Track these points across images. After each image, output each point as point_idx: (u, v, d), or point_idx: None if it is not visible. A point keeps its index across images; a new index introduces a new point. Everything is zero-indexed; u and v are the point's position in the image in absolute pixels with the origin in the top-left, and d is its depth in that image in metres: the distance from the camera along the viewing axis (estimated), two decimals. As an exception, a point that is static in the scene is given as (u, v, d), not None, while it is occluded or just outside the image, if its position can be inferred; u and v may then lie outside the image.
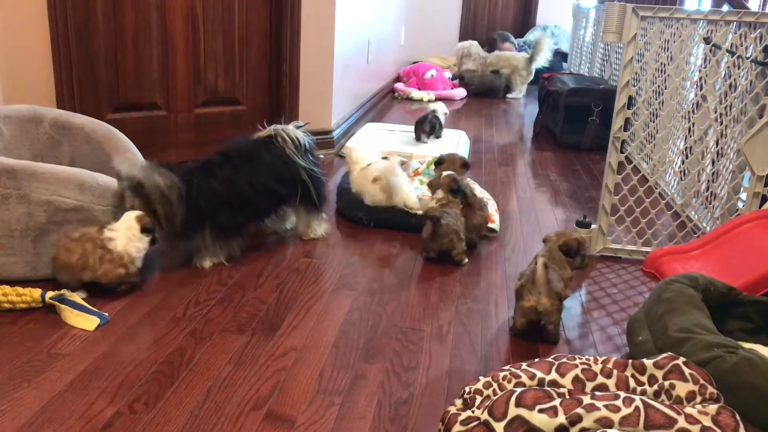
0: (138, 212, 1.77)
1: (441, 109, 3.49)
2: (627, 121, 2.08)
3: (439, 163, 2.39)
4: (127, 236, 1.73)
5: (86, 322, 1.58)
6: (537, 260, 1.60)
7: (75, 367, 1.40)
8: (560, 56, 6.30)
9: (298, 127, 2.12)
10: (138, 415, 1.26)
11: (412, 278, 1.96)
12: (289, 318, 1.68)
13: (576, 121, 3.72)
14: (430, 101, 5.01)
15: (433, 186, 2.25)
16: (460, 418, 1.20)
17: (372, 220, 2.33)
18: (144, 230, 1.76)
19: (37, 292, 1.61)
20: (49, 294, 1.62)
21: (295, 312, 1.72)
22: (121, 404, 1.29)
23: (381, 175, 2.34)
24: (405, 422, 1.31)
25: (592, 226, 2.21)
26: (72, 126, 2.14)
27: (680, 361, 1.25)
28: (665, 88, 2.72)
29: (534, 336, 1.65)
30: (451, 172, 2.19)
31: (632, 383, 1.26)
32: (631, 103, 2.09)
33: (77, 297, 1.64)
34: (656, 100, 2.83)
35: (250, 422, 1.27)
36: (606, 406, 1.11)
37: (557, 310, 1.59)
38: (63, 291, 1.63)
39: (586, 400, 1.14)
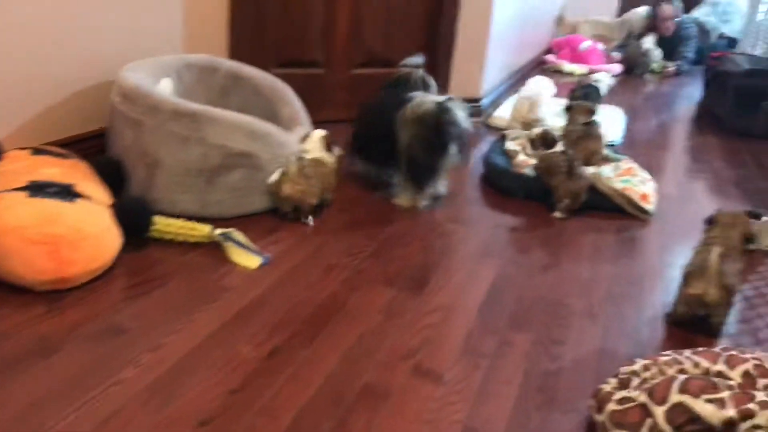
0: (321, 131, 2.00)
1: (604, 80, 3.31)
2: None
3: (569, 109, 2.65)
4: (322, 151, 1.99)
5: (249, 260, 1.68)
6: (712, 248, 1.49)
7: (240, 301, 1.51)
8: (727, 41, 5.78)
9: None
10: (296, 351, 1.34)
11: (561, 253, 1.91)
12: (435, 278, 1.70)
13: (748, 106, 3.42)
14: (582, 75, 4.80)
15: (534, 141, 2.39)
16: (615, 397, 1.17)
17: (522, 191, 2.28)
18: (328, 148, 2.00)
19: (207, 228, 1.74)
20: (217, 231, 1.74)
21: (441, 273, 1.73)
22: (280, 339, 1.37)
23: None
24: (552, 394, 1.29)
25: (763, 218, 2.04)
26: (242, 77, 2.27)
27: None
28: None
29: (692, 327, 1.56)
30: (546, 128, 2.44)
31: (812, 387, 1.16)
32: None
33: (242, 236, 1.75)
34: None
35: (400, 371, 1.30)
36: (784, 406, 1.03)
37: (726, 304, 1.48)
38: (230, 229, 1.75)
39: (760, 396, 1.06)
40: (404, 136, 2.01)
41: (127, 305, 1.45)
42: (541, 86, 3.15)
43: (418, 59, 2.35)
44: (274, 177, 1.91)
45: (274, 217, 1.94)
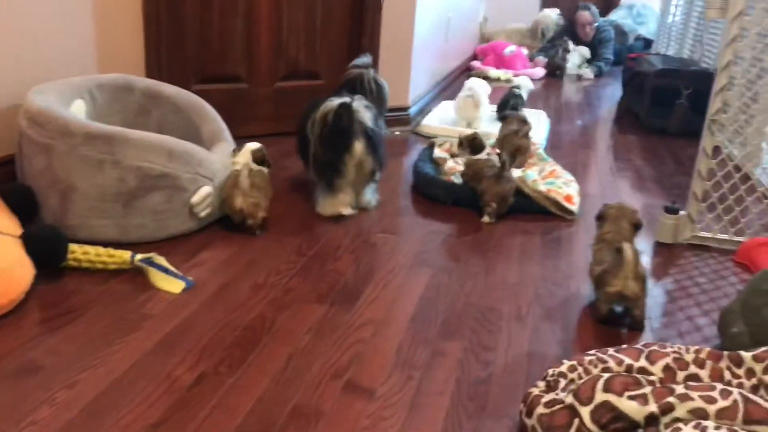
0: (255, 145, 1.96)
1: (525, 84, 3.40)
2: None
3: (503, 118, 2.79)
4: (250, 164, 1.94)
5: (172, 285, 1.63)
6: (622, 245, 1.53)
7: (162, 328, 1.45)
8: (643, 42, 6.02)
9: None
10: (222, 377, 1.30)
11: (490, 258, 1.93)
12: (367, 291, 1.69)
13: (663, 105, 3.56)
14: (507, 80, 4.90)
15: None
16: (544, 400, 1.18)
17: (450, 198, 2.30)
18: (260, 162, 1.96)
19: (127, 254, 1.67)
20: (138, 257, 1.67)
21: (373, 286, 1.72)
22: (206, 366, 1.33)
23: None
24: (484, 401, 1.29)
25: (681, 212, 2.11)
26: (161, 95, 2.20)
27: (783, 355, 1.18)
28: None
29: (617, 323, 1.60)
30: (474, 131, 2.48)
31: (727, 375, 1.20)
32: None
33: (164, 261, 1.69)
34: (756, 83, 2.67)
35: (331, 391, 1.28)
36: (701, 397, 1.06)
37: (644, 295, 1.54)
38: (151, 254, 1.69)
39: (679, 389, 1.09)
40: (312, 137, 2.04)
41: (42, 341, 1.37)
42: (480, 86, 3.21)
43: (366, 59, 2.36)
44: (198, 197, 1.86)
45: (198, 239, 1.89)
